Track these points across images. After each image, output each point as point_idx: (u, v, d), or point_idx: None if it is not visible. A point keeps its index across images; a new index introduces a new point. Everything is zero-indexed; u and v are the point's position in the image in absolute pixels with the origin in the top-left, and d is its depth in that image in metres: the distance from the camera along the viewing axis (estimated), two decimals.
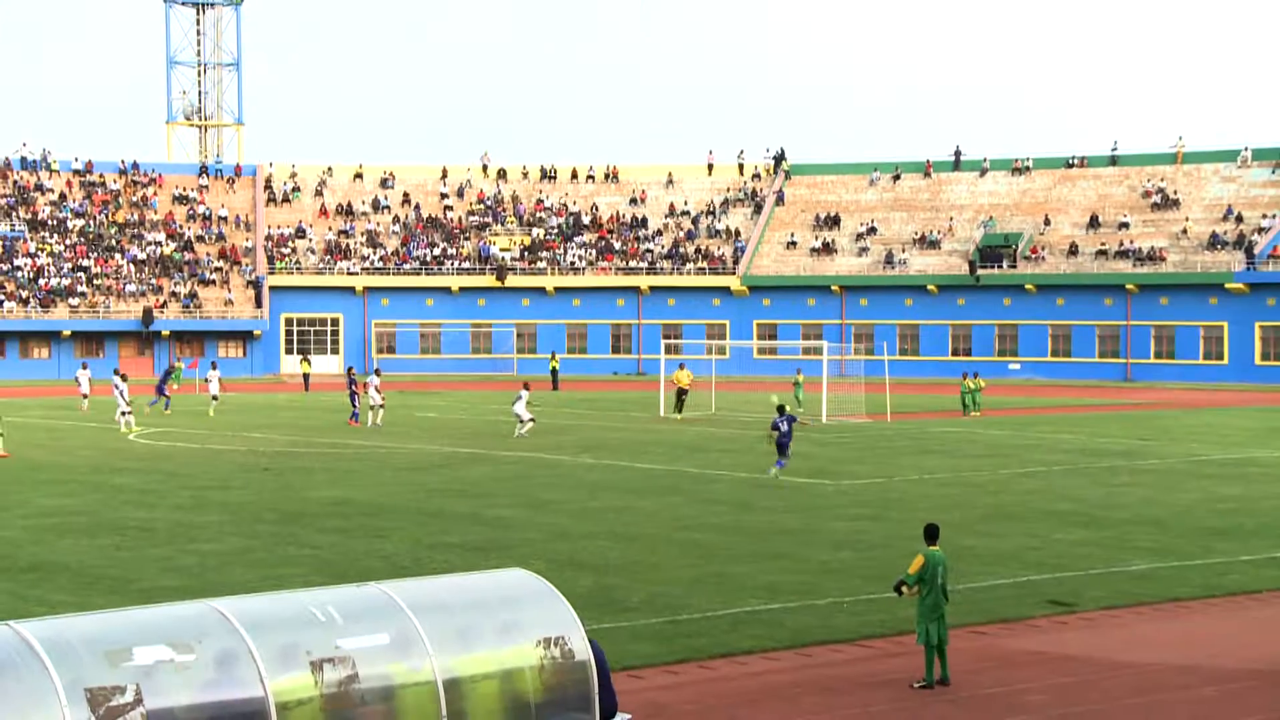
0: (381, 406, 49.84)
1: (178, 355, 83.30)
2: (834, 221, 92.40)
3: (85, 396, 56.35)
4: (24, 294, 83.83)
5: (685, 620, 19.53)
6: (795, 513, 29.21)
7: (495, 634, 12.00)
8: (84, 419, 52.35)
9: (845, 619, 19.73)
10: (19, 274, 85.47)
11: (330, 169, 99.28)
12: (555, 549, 24.74)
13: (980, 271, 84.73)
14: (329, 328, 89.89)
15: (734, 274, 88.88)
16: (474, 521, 27.82)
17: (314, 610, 11.38)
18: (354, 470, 36.43)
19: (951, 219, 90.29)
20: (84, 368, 59.14)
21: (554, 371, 75.42)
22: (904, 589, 16.86)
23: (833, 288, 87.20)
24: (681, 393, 49.89)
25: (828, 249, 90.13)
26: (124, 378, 50.29)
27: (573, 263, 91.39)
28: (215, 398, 56.28)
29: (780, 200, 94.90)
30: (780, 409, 36.70)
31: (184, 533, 26.35)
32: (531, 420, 46.17)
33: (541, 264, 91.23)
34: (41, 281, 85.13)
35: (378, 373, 51.38)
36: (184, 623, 10.97)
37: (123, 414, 47.89)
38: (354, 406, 49.84)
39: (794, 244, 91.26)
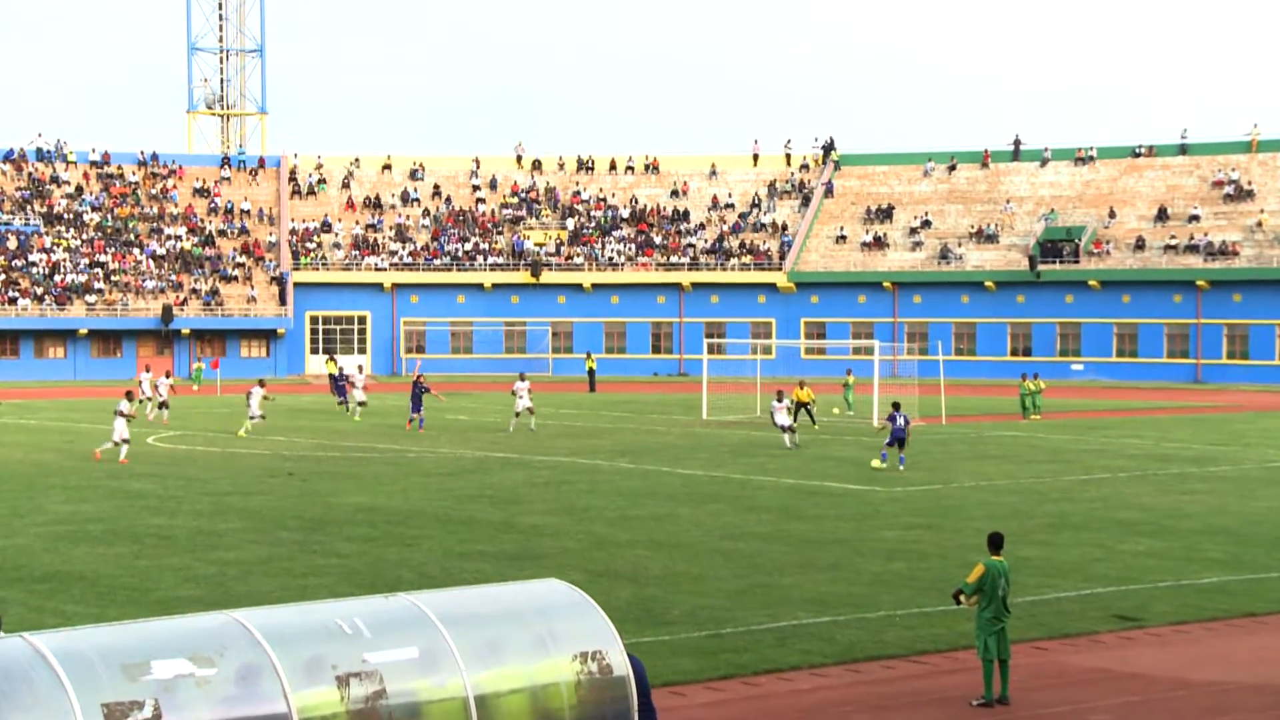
0: (362, 405, 51.45)
1: (198, 355, 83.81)
2: (886, 214, 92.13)
3: (146, 400, 56.47)
4: (39, 291, 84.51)
5: (729, 634, 19.49)
6: (845, 521, 29.11)
7: (529, 648, 11.98)
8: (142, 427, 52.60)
9: (898, 633, 19.63)
10: (34, 270, 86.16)
11: (357, 160, 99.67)
12: (592, 558, 24.73)
13: (1041, 267, 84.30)
14: (356, 326, 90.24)
15: (780, 270, 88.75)
16: (507, 529, 27.84)
17: (339, 622, 11.38)
18: (381, 475, 36.53)
19: (1010, 211, 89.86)
20: (146, 369, 60.02)
21: (591, 372, 75.46)
22: (962, 598, 16.76)
23: (884, 284, 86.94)
24: (801, 405, 49.57)
25: (879, 243, 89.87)
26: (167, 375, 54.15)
27: (611, 258, 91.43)
28: (146, 399, 56.06)
29: (829, 192, 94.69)
30: (896, 405, 39.70)
31: (204, 540, 26.47)
32: (529, 409, 47.68)
33: (578, 259, 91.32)
34: (57, 278, 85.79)
35: (420, 378, 51.44)
36: (204, 635, 10.99)
37: (159, 406, 51.06)
38: (413, 412, 49.45)
39: (843, 238, 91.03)
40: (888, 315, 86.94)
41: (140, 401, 56.70)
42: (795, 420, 50.60)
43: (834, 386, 63.24)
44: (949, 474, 37.35)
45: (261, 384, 49.04)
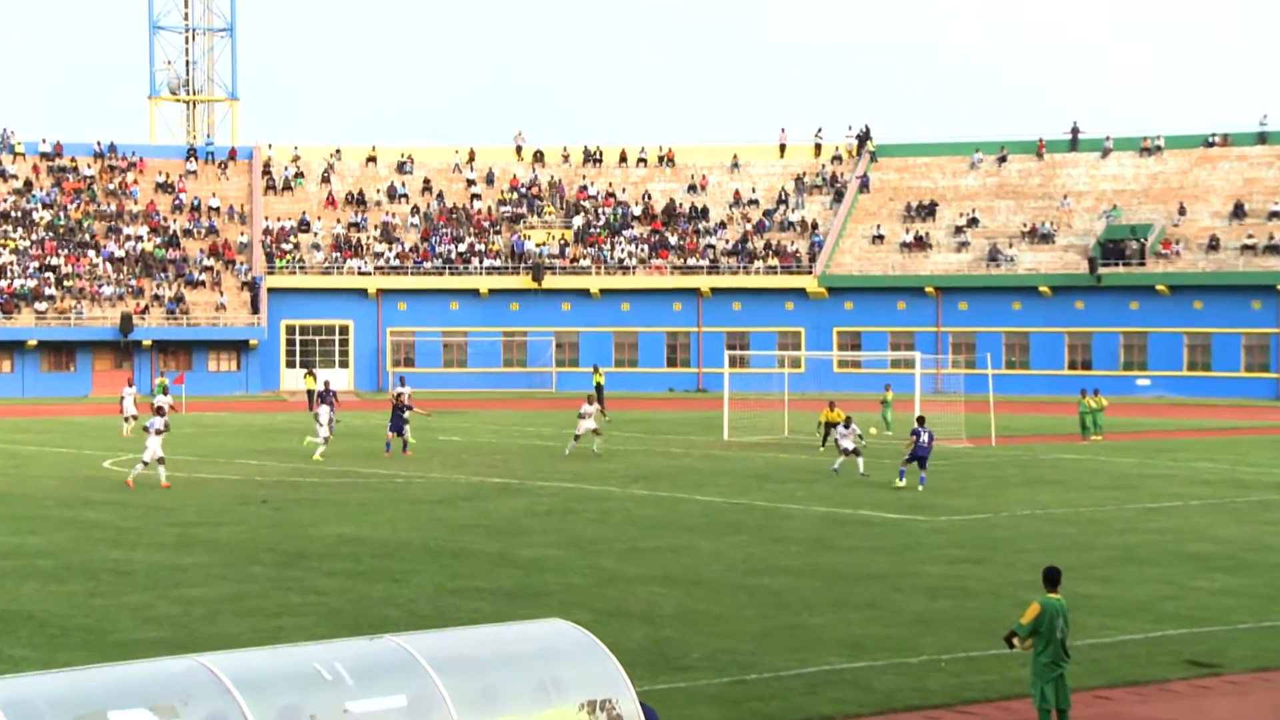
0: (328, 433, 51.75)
1: (161, 369, 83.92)
2: (928, 211, 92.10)
3: (132, 419, 56.64)
4: None
5: (754, 681, 19.44)
6: (883, 554, 29.06)
7: (530, 696, 11.95)
8: (118, 445, 52.70)
9: (943, 680, 19.57)
10: None
11: (338, 151, 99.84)
12: (601, 596, 24.70)
13: (1102, 270, 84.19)
14: (337, 337, 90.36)
15: (810, 273, 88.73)
16: (506, 563, 27.82)
17: (319, 667, 11.36)
18: (366, 503, 36.53)
19: (1068, 208, 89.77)
20: (129, 384, 60.09)
21: (599, 387, 75.36)
22: (1015, 640, 16.72)
23: (927, 289, 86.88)
24: (830, 427, 49.57)
25: (921, 243, 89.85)
26: (164, 390, 54.50)
27: (621, 260, 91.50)
28: (133, 417, 56.31)
29: (865, 186, 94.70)
30: (920, 419, 41.30)
31: (167, 576, 26.48)
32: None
33: (585, 262, 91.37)
34: (3, 283, 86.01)
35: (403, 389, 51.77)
36: (167, 682, 10.97)
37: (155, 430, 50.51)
38: (396, 435, 49.30)
39: (881, 238, 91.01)
40: (930, 324, 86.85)
41: (126, 419, 56.90)
42: (824, 443, 50.62)
43: (870, 404, 63.11)
44: (999, 501, 37.27)
45: (326, 398, 49.39)
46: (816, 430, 51.50)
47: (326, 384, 58.71)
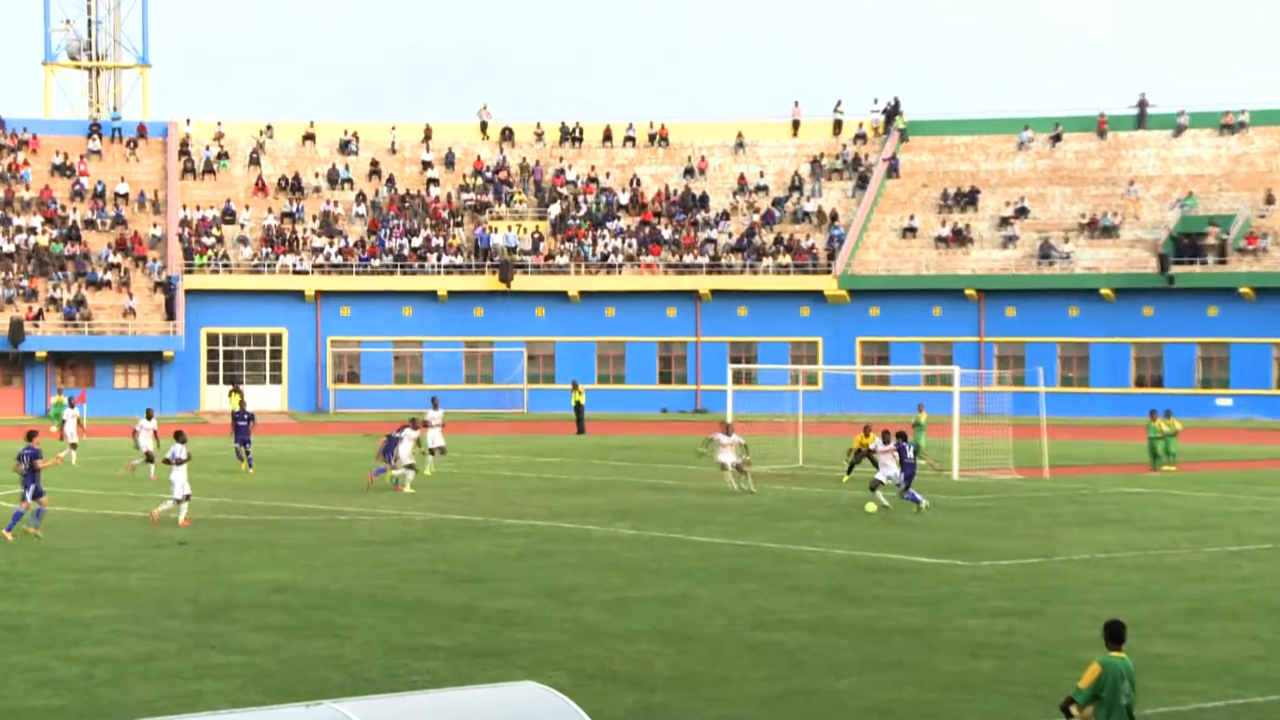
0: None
1: (59, 385, 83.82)
2: (968, 200, 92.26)
3: (73, 446, 56.78)
4: None
5: None
6: (916, 605, 29.06)
7: None
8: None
9: None
10: None
11: (269, 128, 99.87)
12: (581, 655, 24.69)
13: (1174, 269, 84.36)
14: (268, 347, 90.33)
15: (829, 273, 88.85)
16: (468, 616, 27.80)
17: None
18: (302, 545, 36.48)
19: (1134, 195, 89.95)
20: (71, 404, 60.03)
21: (578, 407, 75.47)
22: (1074, 708, 16.71)
23: (967, 292, 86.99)
24: (863, 454, 49.69)
25: (959, 238, 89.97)
26: (149, 415, 54.53)
27: (605, 257, 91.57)
28: (74, 445, 56.72)
29: (894, 170, 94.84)
30: (901, 435, 43.65)
31: (65, 632, 26.41)
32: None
33: (562, 259, 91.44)
34: None
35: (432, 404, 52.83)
36: None
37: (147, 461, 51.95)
38: (384, 462, 49.23)
39: (912, 231, 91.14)
40: (971, 333, 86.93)
41: (73, 446, 56.88)
42: (850, 473, 50.63)
43: (901, 427, 63.07)
44: (1053, 543, 37.28)
45: (415, 424, 49.44)
46: (846, 456, 51.39)
47: (241, 403, 58.55)
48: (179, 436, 40.96)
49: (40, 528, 37.54)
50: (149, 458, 51.73)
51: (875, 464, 45.39)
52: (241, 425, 54.93)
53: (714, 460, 48.00)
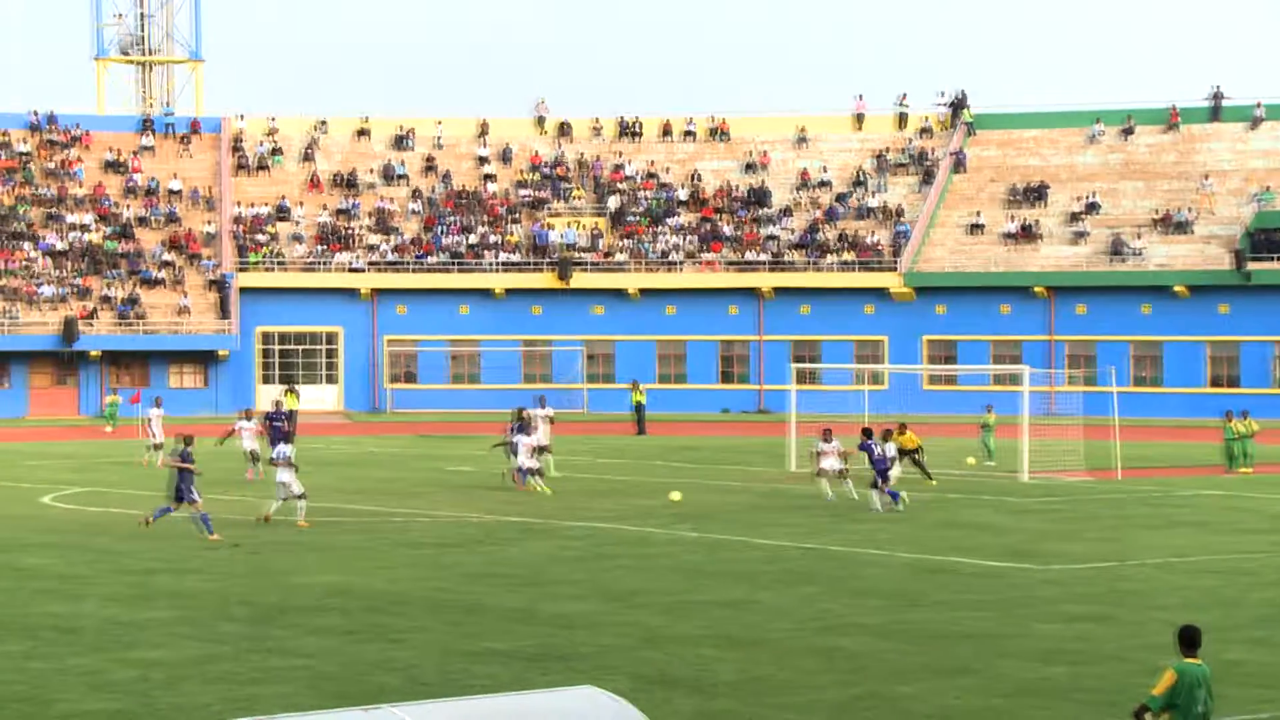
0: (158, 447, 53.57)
1: (112, 385, 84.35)
2: (1037, 195, 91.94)
3: (157, 448, 57.02)
4: None
5: None
6: (984, 610, 29.00)
7: None
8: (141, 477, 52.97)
9: None
10: None
11: (323, 123, 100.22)
12: (642, 659, 24.72)
13: (1251, 265, 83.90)
14: (323, 346, 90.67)
15: (894, 270, 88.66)
16: (526, 620, 27.86)
17: None
18: (358, 548, 36.62)
19: (1209, 190, 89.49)
20: (157, 404, 59.92)
21: (639, 407, 75.48)
22: (1147, 716, 16.65)
23: (1036, 290, 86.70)
24: (905, 453, 49.68)
25: (1028, 234, 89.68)
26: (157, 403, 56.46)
27: (665, 254, 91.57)
28: (157, 446, 56.89)
29: (960, 165, 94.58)
30: (878, 432, 45.32)
31: (121, 635, 26.59)
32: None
33: (621, 256, 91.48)
34: None
35: (542, 401, 54.12)
36: None
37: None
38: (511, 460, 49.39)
39: (979, 227, 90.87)
40: (1040, 331, 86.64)
41: (151, 448, 57.11)
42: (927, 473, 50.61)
43: (968, 428, 62.89)
44: (1126, 547, 37.14)
45: (524, 424, 49.31)
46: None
47: (277, 403, 58.21)
48: (288, 438, 41.40)
49: (213, 531, 37.91)
50: (253, 457, 51.29)
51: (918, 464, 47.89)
52: (277, 426, 53.91)
53: (812, 468, 47.53)
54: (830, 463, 46.33)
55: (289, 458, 40.28)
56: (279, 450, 40.60)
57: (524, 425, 49.50)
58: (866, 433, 45.30)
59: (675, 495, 45.24)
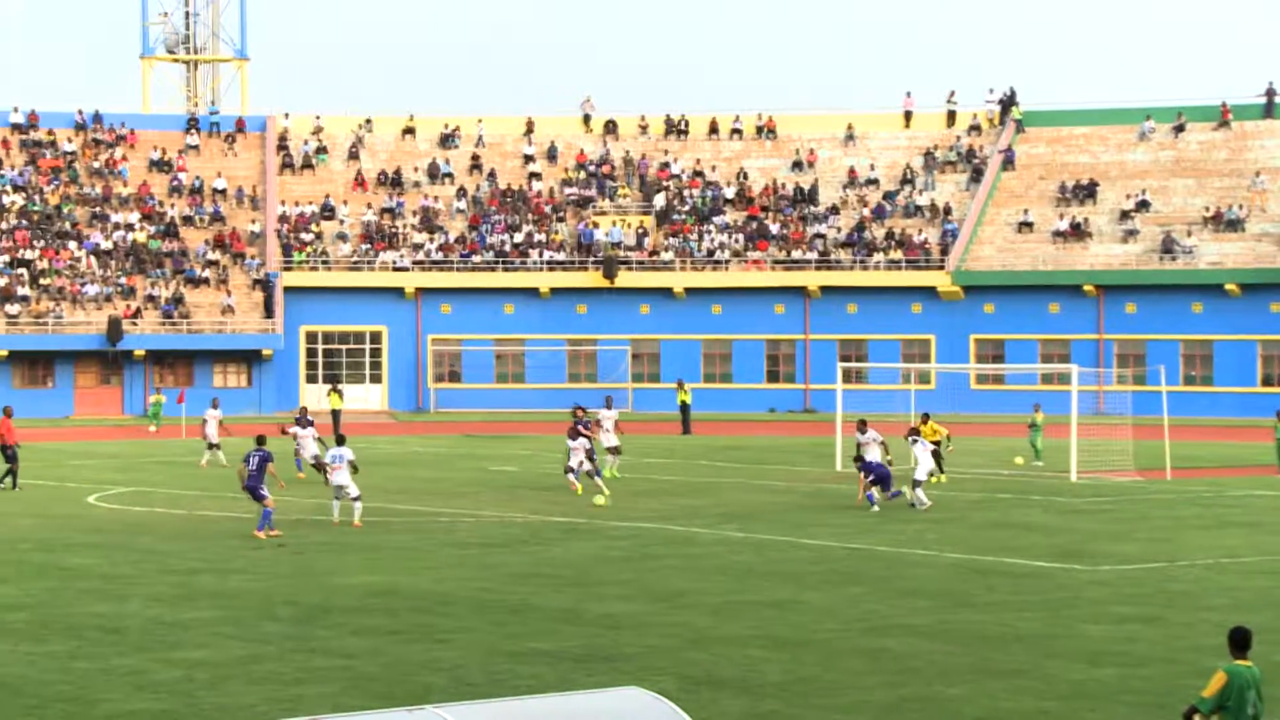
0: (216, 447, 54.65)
1: (157, 384, 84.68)
2: (1087, 192, 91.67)
3: (214, 448, 57.18)
4: None
5: None
6: (1033, 611, 28.94)
7: None
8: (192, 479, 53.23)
9: None
10: None
11: (369, 121, 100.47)
12: (688, 660, 24.72)
13: None
14: (367, 345, 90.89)
15: (942, 268, 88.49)
16: (572, 620, 27.89)
17: None
18: (403, 547, 36.71)
19: (1261, 187, 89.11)
20: (213, 405, 59.49)
21: (684, 407, 75.46)
22: (1197, 718, 16.58)
23: (1085, 288, 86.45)
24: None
25: (1078, 232, 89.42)
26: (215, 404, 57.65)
27: (711, 253, 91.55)
28: (214, 445, 56.96)
29: (1009, 163, 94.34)
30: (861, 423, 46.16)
31: (165, 634, 26.70)
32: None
33: (667, 255, 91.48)
34: None
35: (582, 414, 51.68)
36: None
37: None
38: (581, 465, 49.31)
39: (1029, 225, 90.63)
40: (1090, 330, 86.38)
41: (210, 448, 57.14)
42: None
43: (1017, 427, 62.76)
44: (1176, 548, 37.02)
45: (581, 420, 49.28)
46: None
47: (304, 408, 57.54)
48: (340, 440, 41.51)
49: (275, 529, 38.09)
50: (317, 465, 50.84)
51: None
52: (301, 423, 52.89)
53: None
54: (873, 455, 46.33)
55: (348, 460, 40.42)
56: (336, 453, 40.62)
57: (583, 423, 49.30)
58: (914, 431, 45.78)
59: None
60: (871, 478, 43.94)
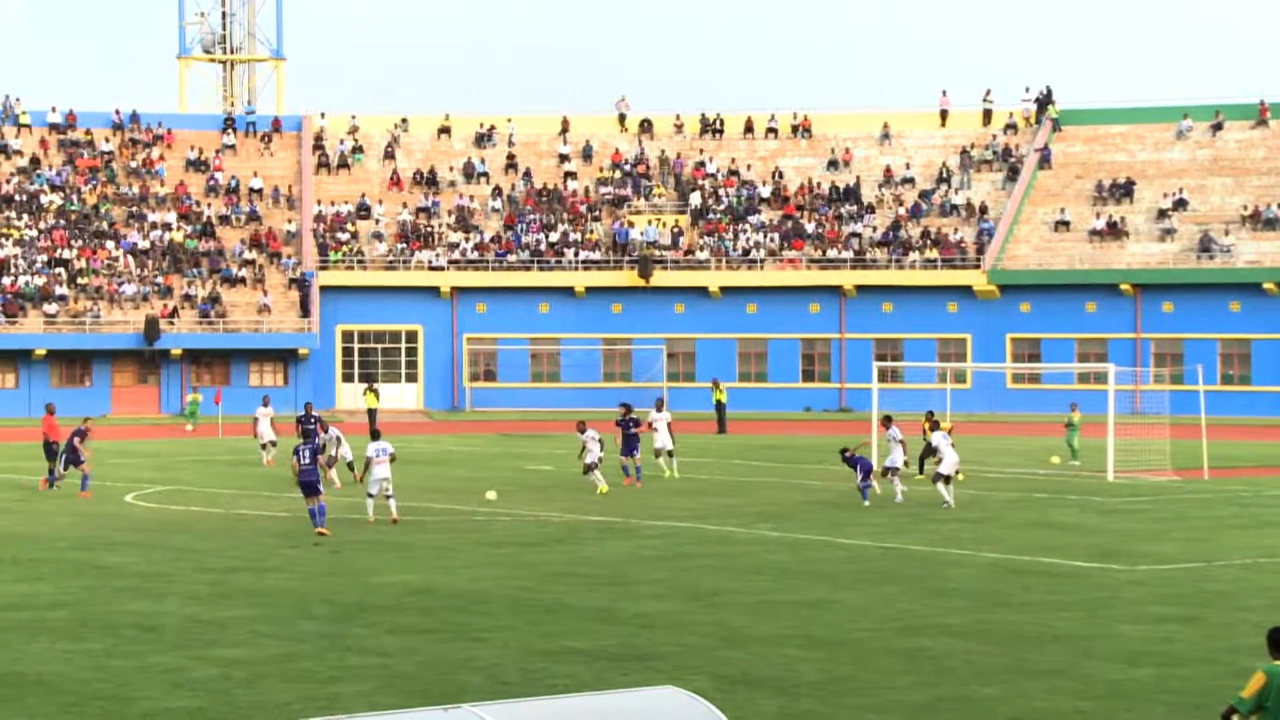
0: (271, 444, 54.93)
1: (193, 383, 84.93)
2: (1124, 191, 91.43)
3: (270, 445, 57.20)
4: None
5: None
6: (1069, 610, 28.88)
7: None
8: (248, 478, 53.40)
9: None
10: None
11: (404, 121, 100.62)
12: (723, 659, 24.72)
13: None
14: (403, 344, 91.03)
15: (978, 267, 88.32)
16: (607, 619, 27.90)
17: None
18: (439, 546, 36.77)
19: None
20: (264, 403, 59.40)
21: (719, 406, 75.44)
22: (1235, 719, 16.53)
23: (1122, 287, 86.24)
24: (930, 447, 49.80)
25: (1115, 231, 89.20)
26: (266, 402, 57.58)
27: (746, 252, 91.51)
28: (271, 443, 56.88)
29: (1045, 161, 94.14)
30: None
31: (202, 633, 26.78)
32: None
33: (702, 254, 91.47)
34: (5, 281, 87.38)
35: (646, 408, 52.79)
36: None
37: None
38: (625, 455, 49.65)
39: (1065, 224, 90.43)
40: (1127, 329, 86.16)
41: (264, 446, 57.10)
42: (922, 470, 50.39)
43: (1053, 427, 62.59)
44: (1214, 547, 36.92)
45: (626, 419, 49.78)
46: (924, 434, 50.70)
47: (308, 406, 56.34)
48: (377, 435, 41.65)
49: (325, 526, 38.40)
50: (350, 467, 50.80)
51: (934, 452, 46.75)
52: (309, 430, 51.52)
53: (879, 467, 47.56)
54: (895, 453, 46.44)
55: (390, 453, 40.56)
56: (379, 446, 40.73)
57: (630, 421, 49.72)
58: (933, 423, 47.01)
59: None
60: (859, 471, 44.83)
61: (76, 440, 47.91)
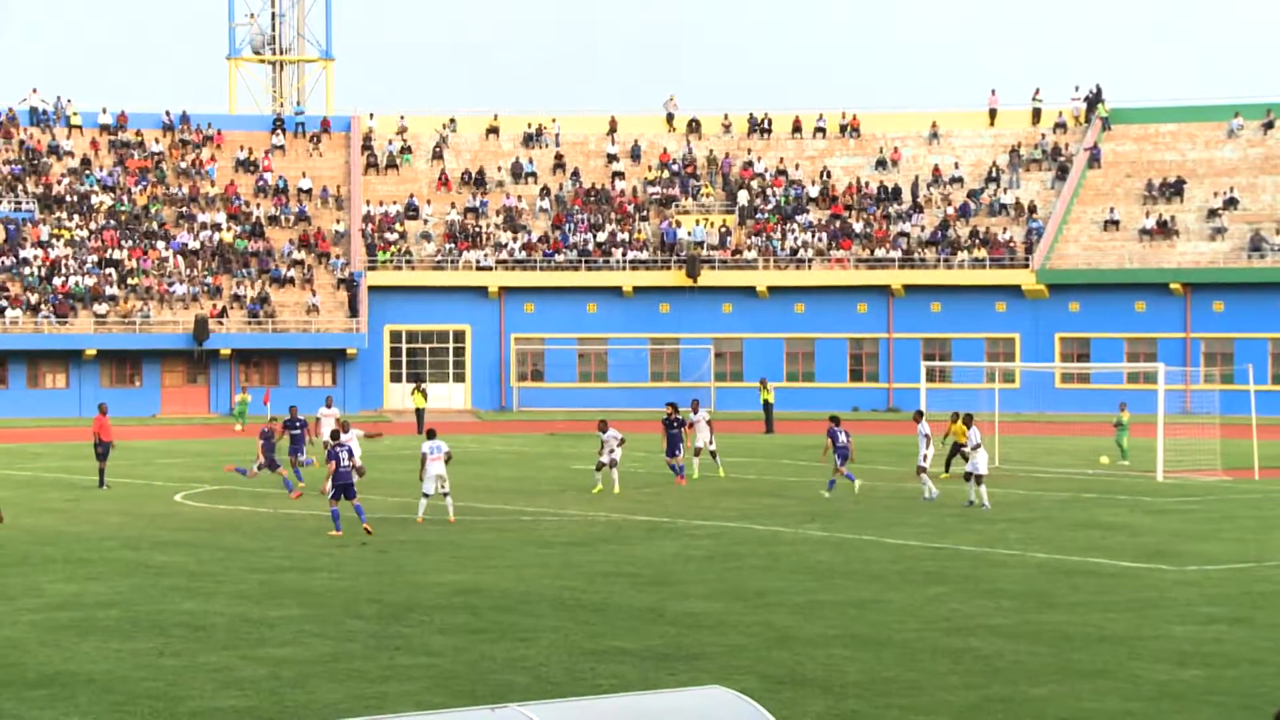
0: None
1: (242, 383, 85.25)
2: (1174, 190, 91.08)
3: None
4: (33, 298, 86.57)
5: None
6: (1118, 611, 28.79)
7: None
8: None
9: None
10: (26, 270, 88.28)
11: (453, 121, 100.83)
12: (770, 659, 24.72)
13: None
14: (451, 344, 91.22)
15: (1027, 267, 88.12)
16: (654, 619, 27.91)
17: None
18: (487, 546, 36.82)
19: None
20: (328, 404, 59.04)
21: (767, 406, 75.39)
22: None
23: (1172, 286, 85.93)
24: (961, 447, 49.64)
25: (1165, 230, 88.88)
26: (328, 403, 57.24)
27: (794, 251, 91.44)
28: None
29: (1095, 160, 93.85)
30: (835, 419, 47.84)
31: (250, 632, 26.89)
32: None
33: (750, 254, 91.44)
34: (57, 281, 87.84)
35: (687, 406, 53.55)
36: None
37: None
38: (669, 455, 50.00)
39: (1115, 223, 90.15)
40: (1177, 329, 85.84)
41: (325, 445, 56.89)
42: (948, 469, 50.26)
43: (1102, 427, 62.39)
44: (1265, 548, 36.76)
45: (674, 419, 50.20)
46: (942, 443, 50.38)
47: (293, 409, 54.20)
48: (430, 434, 41.71)
49: (367, 523, 38.55)
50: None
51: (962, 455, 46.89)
52: (295, 435, 50.34)
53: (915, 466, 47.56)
54: (923, 448, 46.46)
55: (445, 451, 40.65)
56: (434, 445, 40.79)
57: (677, 421, 49.96)
58: (834, 419, 47.97)
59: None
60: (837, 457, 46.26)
61: (261, 443, 47.94)
